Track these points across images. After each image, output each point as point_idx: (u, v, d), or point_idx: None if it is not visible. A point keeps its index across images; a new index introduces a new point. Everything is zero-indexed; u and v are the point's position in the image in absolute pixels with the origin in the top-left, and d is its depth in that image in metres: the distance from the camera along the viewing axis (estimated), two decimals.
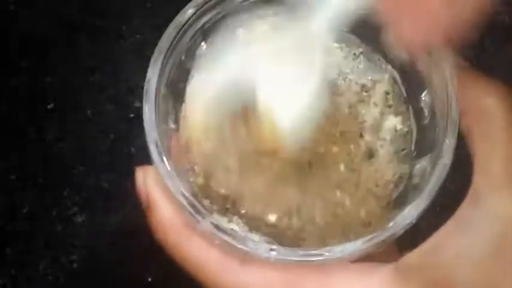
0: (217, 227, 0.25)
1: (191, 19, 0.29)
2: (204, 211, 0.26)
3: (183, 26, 0.29)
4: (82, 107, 0.51)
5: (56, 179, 0.49)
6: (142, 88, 0.49)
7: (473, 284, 0.25)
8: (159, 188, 0.27)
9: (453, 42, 0.25)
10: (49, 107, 0.51)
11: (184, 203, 0.26)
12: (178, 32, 0.29)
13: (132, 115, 0.51)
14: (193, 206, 0.26)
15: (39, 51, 0.53)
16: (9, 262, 0.48)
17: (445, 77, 0.28)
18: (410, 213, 0.26)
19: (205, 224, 0.26)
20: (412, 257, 0.26)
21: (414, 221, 0.26)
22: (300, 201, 0.29)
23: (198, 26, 0.30)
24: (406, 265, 0.26)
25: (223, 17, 0.31)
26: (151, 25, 0.52)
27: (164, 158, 0.27)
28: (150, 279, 0.47)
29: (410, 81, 0.31)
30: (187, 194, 0.26)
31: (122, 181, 0.49)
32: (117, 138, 0.50)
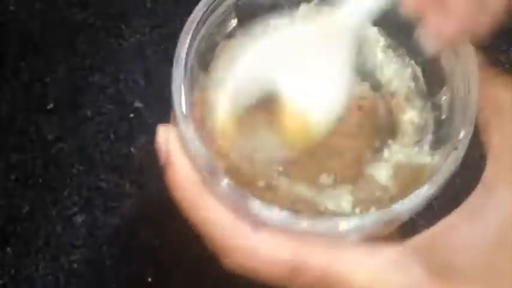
0: (233, 190, 0.26)
1: None
2: (221, 173, 0.26)
3: None
4: (82, 107, 0.51)
5: (56, 179, 0.49)
6: (142, 88, 0.49)
7: (477, 272, 0.25)
8: (178, 145, 0.27)
9: (478, 37, 0.25)
10: (49, 107, 0.51)
11: (203, 163, 0.26)
12: (211, 4, 0.29)
13: (132, 115, 0.51)
14: (211, 167, 0.26)
15: (39, 51, 0.52)
16: (9, 262, 0.48)
17: (467, 73, 0.28)
18: (416, 199, 0.26)
19: (222, 186, 0.26)
20: (419, 239, 0.26)
21: (419, 208, 0.26)
22: (318, 175, 0.30)
23: (232, 1, 0.30)
24: (412, 247, 0.26)
25: None
26: (151, 25, 0.52)
27: (188, 120, 0.27)
28: (150, 279, 0.47)
29: (431, 76, 0.31)
30: (207, 156, 0.26)
31: (122, 181, 0.49)
32: (117, 138, 0.50)
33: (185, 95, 0.28)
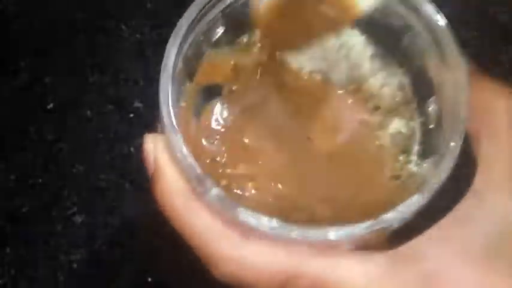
0: (221, 199, 0.26)
1: (213, 1, 0.29)
2: (209, 182, 0.26)
3: (205, 6, 0.29)
4: (82, 107, 0.51)
5: (56, 179, 0.49)
6: (142, 88, 0.49)
7: (464, 280, 0.25)
8: (166, 155, 0.27)
9: None
10: (49, 107, 0.51)
11: (191, 172, 0.26)
12: (200, 11, 0.29)
13: (132, 115, 0.51)
14: (199, 176, 0.26)
15: (39, 51, 0.53)
16: (9, 262, 0.48)
17: (457, 84, 0.28)
18: (405, 209, 0.26)
19: (210, 196, 0.26)
20: (408, 246, 0.26)
21: (409, 217, 0.26)
22: (307, 185, 0.30)
23: (219, 9, 0.30)
24: (402, 254, 0.26)
25: (244, 4, 0.31)
26: (151, 25, 0.52)
27: (176, 128, 0.27)
28: (150, 279, 0.47)
29: (419, 86, 0.31)
30: (194, 165, 0.26)
31: (122, 181, 0.49)
32: (117, 138, 0.50)
33: (172, 104, 0.27)
